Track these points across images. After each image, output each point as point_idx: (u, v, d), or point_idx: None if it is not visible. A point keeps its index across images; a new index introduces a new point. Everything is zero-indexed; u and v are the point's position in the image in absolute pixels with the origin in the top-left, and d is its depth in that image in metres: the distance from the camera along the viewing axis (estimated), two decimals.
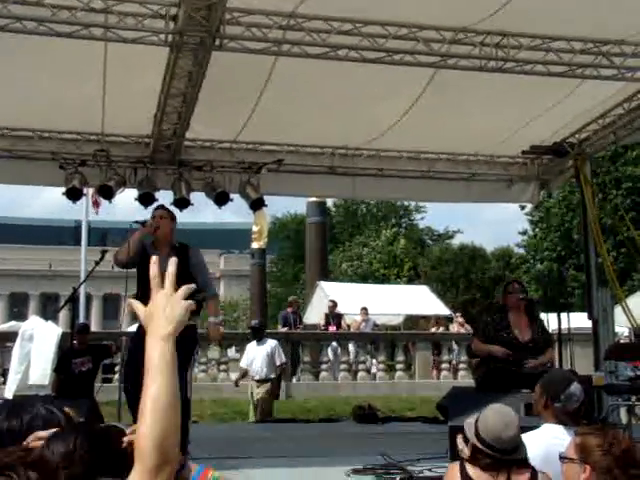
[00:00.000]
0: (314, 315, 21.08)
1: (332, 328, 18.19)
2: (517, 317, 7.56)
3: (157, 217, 7.31)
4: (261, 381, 12.34)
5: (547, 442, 3.92)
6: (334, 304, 19.07)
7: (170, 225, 7.37)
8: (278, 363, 12.53)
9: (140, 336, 7.34)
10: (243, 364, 12.87)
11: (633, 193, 30.75)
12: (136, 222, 7.22)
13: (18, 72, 8.08)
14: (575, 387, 4.29)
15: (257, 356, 12.41)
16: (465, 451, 3.76)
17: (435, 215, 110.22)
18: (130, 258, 7.07)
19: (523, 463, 3.66)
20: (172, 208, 9.76)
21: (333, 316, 18.62)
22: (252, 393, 12.48)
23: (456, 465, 3.75)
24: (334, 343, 17.87)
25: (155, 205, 7.82)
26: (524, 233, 37.35)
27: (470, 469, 3.63)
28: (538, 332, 7.59)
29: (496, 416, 3.74)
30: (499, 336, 7.44)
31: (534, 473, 3.63)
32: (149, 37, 7.00)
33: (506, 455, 3.62)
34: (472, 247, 42.72)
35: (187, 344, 7.24)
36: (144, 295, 6.25)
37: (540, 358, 7.49)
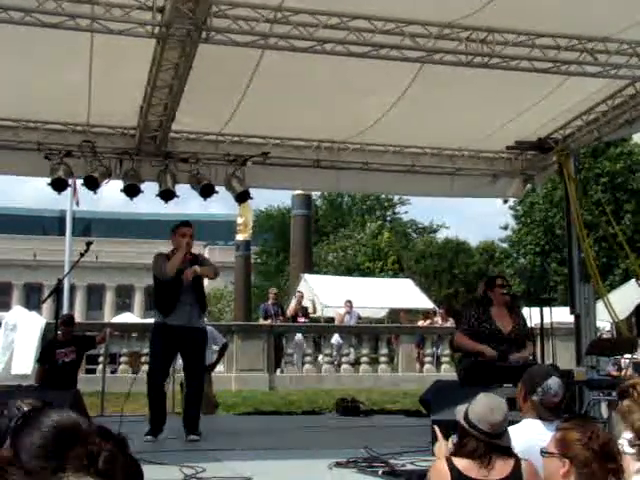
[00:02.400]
0: None
1: (301, 319, 18.23)
2: (499, 310, 7.67)
3: (188, 236, 8.13)
4: None
5: (526, 437, 3.97)
6: (302, 295, 19.19)
7: (192, 241, 8.29)
8: (220, 345, 11.54)
9: (161, 332, 7.86)
10: None
11: (611, 188, 30.97)
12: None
13: (3, 62, 8.05)
14: (553, 381, 4.33)
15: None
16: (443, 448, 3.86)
17: (420, 209, 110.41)
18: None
19: (507, 451, 3.72)
20: (157, 199, 9.95)
21: (300, 308, 18.64)
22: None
23: (442, 461, 3.79)
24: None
25: (180, 222, 8.46)
26: (505, 228, 37.63)
27: (456, 461, 3.68)
28: (519, 324, 7.70)
29: (485, 400, 3.82)
30: (482, 328, 7.53)
31: (517, 461, 3.69)
32: (136, 29, 6.98)
33: (491, 439, 3.67)
34: (456, 241, 42.87)
35: (202, 344, 8.35)
36: (164, 298, 6.67)
37: (523, 352, 7.59)
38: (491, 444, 3.67)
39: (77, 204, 26.63)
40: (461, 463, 3.66)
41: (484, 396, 3.90)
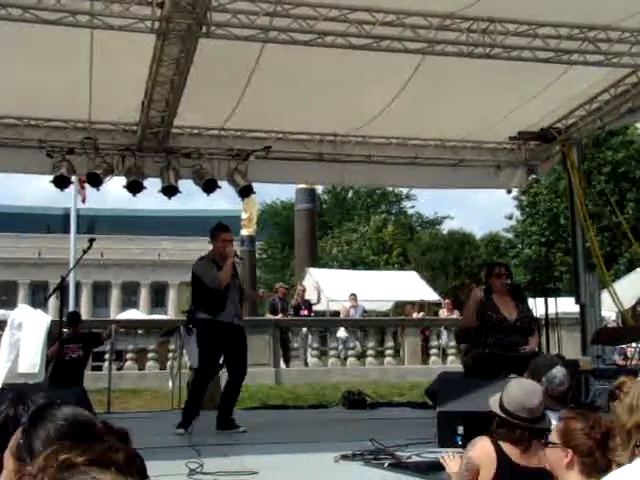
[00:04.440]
0: None
1: (304, 312, 18.22)
2: (502, 299, 7.63)
3: (229, 241, 8.21)
4: None
5: None
6: (304, 289, 19.19)
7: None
8: None
9: (211, 329, 7.75)
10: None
11: (614, 178, 30.90)
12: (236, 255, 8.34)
13: (4, 60, 8.04)
14: (557, 370, 4.32)
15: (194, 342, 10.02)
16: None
17: (425, 202, 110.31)
18: None
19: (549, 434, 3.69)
20: (160, 195, 9.96)
21: (303, 302, 18.63)
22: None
23: (486, 440, 3.75)
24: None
25: (218, 225, 8.45)
26: (510, 218, 37.63)
27: (503, 445, 3.65)
28: (524, 312, 7.66)
29: (519, 387, 3.79)
30: (487, 316, 7.49)
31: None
32: (135, 24, 6.97)
33: (532, 424, 3.65)
34: (461, 233, 42.85)
35: (246, 342, 8.46)
36: (213, 298, 7.64)
37: (531, 341, 7.56)
38: (533, 429, 3.65)
39: (83, 201, 26.62)
40: (505, 445, 3.64)
41: (517, 382, 3.87)
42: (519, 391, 3.75)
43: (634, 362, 10.49)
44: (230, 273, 8.05)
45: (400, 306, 24.86)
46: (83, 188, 24.15)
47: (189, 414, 8.00)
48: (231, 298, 8.08)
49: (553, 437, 3.17)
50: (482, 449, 3.70)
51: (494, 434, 3.77)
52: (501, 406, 3.75)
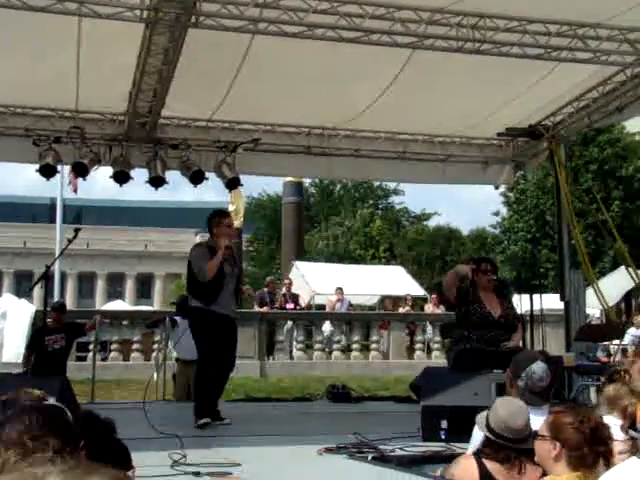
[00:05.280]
0: None
1: (289, 306, 18.25)
2: (486, 295, 7.64)
3: (233, 227, 8.23)
4: (189, 362, 10.38)
5: None
6: (290, 283, 19.37)
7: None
8: None
9: (206, 319, 7.56)
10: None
11: (600, 175, 31.03)
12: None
13: None
14: (537, 365, 4.32)
15: (182, 333, 9.93)
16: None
17: (413, 195, 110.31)
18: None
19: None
20: (147, 186, 9.91)
21: (290, 295, 18.67)
22: (175, 374, 11.51)
23: (470, 458, 3.74)
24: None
25: (218, 211, 8.41)
26: (497, 214, 37.72)
27: (487, 463, 3.65)
28: (508, 308, 7.68)
29: (504, 407, 3.79)
30: (471, 309, 7.50)
31: None
32: (124, 12, 6.91)
33: (518, 444, 3.64)
34: (448, 228, 42.97)
35: (235, 333, 8.11)
36: (206, 286, 7.28)
37: (514, 337, 7.59)
38: (519, 449, 3.65)
39: (75, 191, 26.45)
40: (491, 465, 3.63)
41: (502, 402, 3.87)
42: (504, 411, 3.75)
43: (617, 359, 10.54)
44: (217, 267, 7.67)
45: (382, 300, 24.89)
46: (76, 178, 23.95)
47: (208, 406, 7.76)
48: (227, 288, 7.83)
49: (542, 429, 3.19)
50: (465, 468, 3.69)
51: (480, 453, 3.76)
52: (488, 425, 3.75)
